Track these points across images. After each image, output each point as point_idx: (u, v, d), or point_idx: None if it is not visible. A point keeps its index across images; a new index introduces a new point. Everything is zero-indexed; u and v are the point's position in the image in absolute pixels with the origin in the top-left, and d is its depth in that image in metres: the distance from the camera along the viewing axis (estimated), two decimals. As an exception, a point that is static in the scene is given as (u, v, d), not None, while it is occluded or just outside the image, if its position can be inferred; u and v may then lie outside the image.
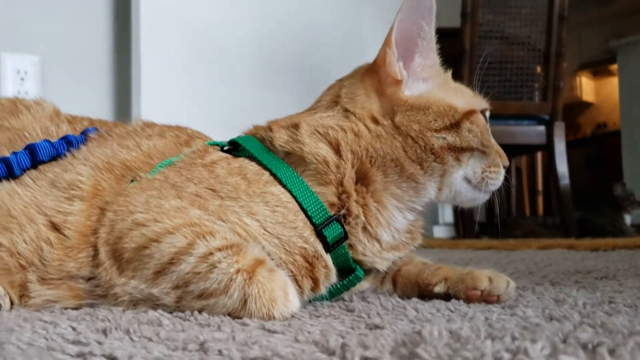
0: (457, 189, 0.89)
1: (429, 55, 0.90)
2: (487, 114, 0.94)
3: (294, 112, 0.96)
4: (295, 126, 0.88)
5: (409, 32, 0.87)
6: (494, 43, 2.95)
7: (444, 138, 0.86)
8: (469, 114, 0.88)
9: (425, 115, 0.86)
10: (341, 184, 0.84)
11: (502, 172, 0.91)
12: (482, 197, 0.91)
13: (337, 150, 0.85)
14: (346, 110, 0.88)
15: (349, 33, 3.21)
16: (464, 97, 0.91)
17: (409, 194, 0.87)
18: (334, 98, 0.91)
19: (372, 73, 0.90)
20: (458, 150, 0.86)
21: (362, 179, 0.85)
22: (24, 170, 0.87)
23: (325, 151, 0.85)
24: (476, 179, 0.88)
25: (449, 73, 0.94)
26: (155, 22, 2.53)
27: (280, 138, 0.87)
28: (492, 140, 0.92)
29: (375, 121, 0.87)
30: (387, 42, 0.87)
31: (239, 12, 2.81)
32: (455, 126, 0.86)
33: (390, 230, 0.87)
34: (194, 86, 2.66)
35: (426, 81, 0.90)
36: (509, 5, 2.95)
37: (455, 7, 3.03)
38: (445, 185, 0.88)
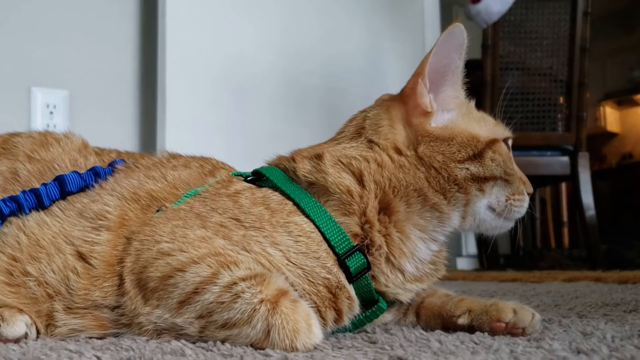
0: (481, 218, 0.89)
1: (456, 87, 0.92)
2: (510, 142, 0.95)
3: (315, 143, 0.97)
4: (319, 157, 0.88)
5: (441, 65, 0.89)
6: (516, 74, 2.95)
7: (467, 169, 0.86)
8: (492, 143, 0.89)
9: (449, 146, 0.87)
10: (364, 214, 0.84)
11: (527, 199, 0.91)
12: (506, 225, 0.91)
13: (360, 181, 0.86)
14: (370, 141, 0.89)
15: (370, 66, 3.25)
16: (486, 126, 0.92)
17: (433, 223, 0.87)
18: (357, 129, 0.92)
19: (399, 103, 0.91)
20: (481, 180, 0.87)
21: (384, 209, 0.85)
22: (52, 202, 0.89)
23: (349, 181, 0.85)
24: (500, 207, 0.89)
25: (473, 102, 0.95)
26: (180, 56, 2.59)
27: (304, 168, 0.88)
28: (516, 168, 0.92)
29: (399, 152, 0.88)
30: (419, 73, 0.88)
31: (263, 46, 2.87)
32: (478, 156, 0.87)
33: (413, 261, 0.87)
34: (218, 118, 2.70)
35: (451, 111, 0.91)
36: (530, 37, 2.96)
37: (476, 38, 3.05)
38: (469, 214, 0.88)
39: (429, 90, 0.89)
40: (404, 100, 0.90)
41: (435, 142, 0.87)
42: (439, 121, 0.90)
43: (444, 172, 0.86)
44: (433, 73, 0.89)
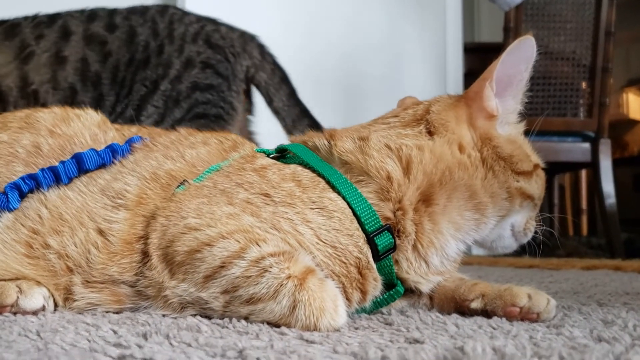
0: (501, 233, 0.92)
1: (517, 100, 0.93)
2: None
3: (336, 126, 0.96)
4: (364, 139, 0.88)
5: (507, 74, 0.90)
6: (538, 58, 2.89)
7: (519, 181, 0.89)
8: (537, 166, 0.93)
9: (510, 156, 0.89)
10: (400, 201, 0.84)
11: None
12: (513, 246, 0.95)
13: (406, 169, 0.85)
14: (430, 133, 0.89)
15: (389, 51, 3.21)
16: (529, 150, 0.94)
17: (469, 224, 0.87)
18: (416, 118, 0.92)
19: (463, 105, 0.91)
20: (526, 197, 0.90)
21: (425, 200, 0.85)
22: (70, 179, 0.90)
23: (391, 167, 0.85)
24: (519, 227, 0.93)
25: (522, 124, 0.98)
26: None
27: (343, 147, 0.87)
28: None
29: (462, 149, 0.88)
30: (486, 78, 0.89)
31: (284, 28, 2.84)
32: (528, 174, 0.90)
33: (441, 255, 0.87)
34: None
35: (510, 125, 0.94)
36: (553, 20, 2.89)
37: (498, 21, 2.99)
38: (499, 226, 0.91)
39: (495, 95, 0.90)
40: (467, 102, 0.91)
41: (500, 149, 0.89)
42: (502, 130, 0.92)
43: (501, 177, 0.88)
44: (499, 80, 0.90)
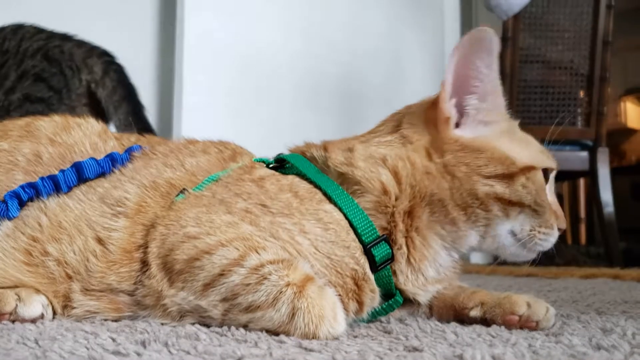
0: (501, 242, 0.87)
1: (488, 99, 0.88)
2: (553, 173, 0.91)
3: (334, 133, 0.97)
4: (350, 150, 0.88)
5: (462, 72, 0.86)
6: (536, 67, 2.90)
7: (492, 186, 0.83)
8: (527, 169, 0.85)
9: (475, 158, 0.84)
10: (392, 214, 0.84)
11: (555, 234, 0.88)
12: (526, 255, 0.88)
13: (397, 180, 0.85)
14: (403, 137, 0.88)
15: (389, 54, 3.23)
16: (528, 151, 0.88)
17: (452, 237, 0.86)
18: (396, 124, 0.91)
19: (431, 109, 0.89)
20: (506, 203, 0.84)
21: (409, 212, 0.85)
22: (70, 188, 0.90)
23: (385, 177, 0.85)
24: (523, 235, 0.86)
25: (517, 122, 0.92)
26: (198, 42, 2.59)
27: (336, 159, 0.88)
28: (551, 200, 0.89)
29: (429, 156, 0.86)
30: (444, 79, 0.87)
31: (287, 35, 2.85)
32: (507, 177, 0.84)
33: (435, 266, 0.86)
34: (238, 106, 2.70)
35: (486, 125, 0.88)
36: (551, 30, 2.91)
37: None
38: (489, 235, 0.86)
39: (452, 96, 0.87)
40: (434, 106, 0.88)
41: (462, 152, 0.85)
42: (467, 131, 0.87)
43: (466, 184, 0.83)
44: (457, 79, 0.86)
